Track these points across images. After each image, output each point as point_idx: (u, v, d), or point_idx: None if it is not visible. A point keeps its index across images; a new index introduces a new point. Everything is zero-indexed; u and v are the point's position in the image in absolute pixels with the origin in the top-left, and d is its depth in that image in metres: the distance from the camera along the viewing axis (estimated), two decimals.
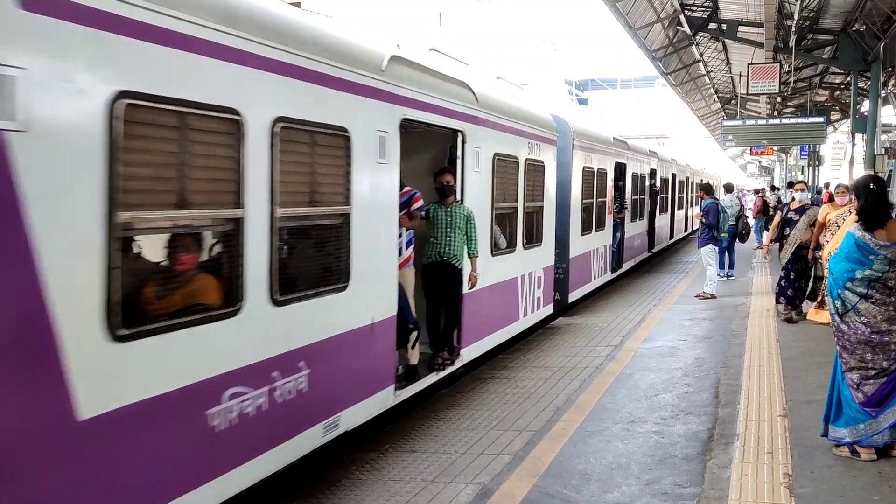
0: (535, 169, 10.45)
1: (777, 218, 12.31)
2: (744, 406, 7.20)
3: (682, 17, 20.04)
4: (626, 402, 7.52)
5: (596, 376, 8.56)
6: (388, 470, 5.95)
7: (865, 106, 20.82)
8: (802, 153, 35.07)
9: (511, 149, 9.50)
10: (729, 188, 19.18)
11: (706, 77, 29.47)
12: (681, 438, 6.43)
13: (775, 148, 35.34)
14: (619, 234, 16.75)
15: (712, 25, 20.27)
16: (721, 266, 16.23)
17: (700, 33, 21.09)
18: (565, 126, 12.53)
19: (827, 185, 24.96)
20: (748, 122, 25.02)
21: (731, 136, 24.03)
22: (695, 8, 20.05)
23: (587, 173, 13.70)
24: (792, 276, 11.56)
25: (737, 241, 17.68)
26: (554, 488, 5.40)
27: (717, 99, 34.34)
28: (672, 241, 26.44)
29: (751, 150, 34.12)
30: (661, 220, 23.14)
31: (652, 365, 9.06)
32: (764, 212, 23.89)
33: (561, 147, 11.86)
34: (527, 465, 5.86)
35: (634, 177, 18.29)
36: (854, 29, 18.30)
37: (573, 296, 13.26)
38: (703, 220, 14.74)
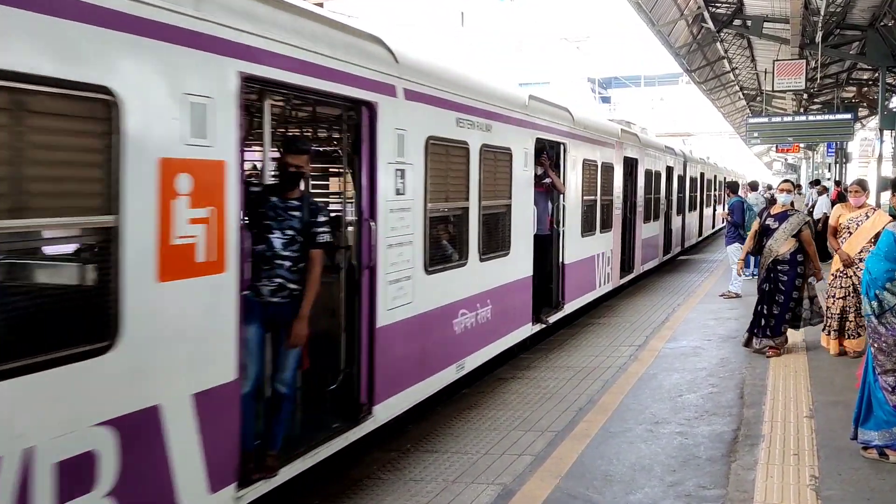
0: None
1: (754, 225, 9.75)
2: (769, 407, 7.12)
3: (706, 14, 19.86)
4: (650, 403, 7.45)
5: (619, 376, 8.50)
6: (410, 470, 5.95)
7: (894, 102, 20.51)
8: (829, 150, 34.60)
9: None
10: (754, 186, 18.95)
11: (731, 74, 29.20)
12: (705, 440, 6.36)
13: (801, 145, 34.90)
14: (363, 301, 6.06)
15: (737, 22, 20.07)
16: (746, 265, 16.04)
17: (724, 30, 20.88)
18: None
19: (838, 184, 24.38)
20: (774, 120, 24.72)
21: (756, 134, 23.75)
22: (719, 4, 19.87)
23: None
24: (766, 298, 9.16)
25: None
26: (576, 489, 5.37)
27: (742, 96, 34.00)
28: (636, 272, 15.77)
29: (776, 147, 33.73)
30: (597, 243, 12.29)
31: (676, 365, 8.98)
32: None
33: None
34: (549, 465, 5.83)
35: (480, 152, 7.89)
36: (882, 24, 18.02)
37: None
38: (729, 219, 14.67)
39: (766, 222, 9.29)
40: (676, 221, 20.92)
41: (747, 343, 9.50)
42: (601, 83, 63.00)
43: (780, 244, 9.05)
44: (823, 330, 9.20)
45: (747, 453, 5.96)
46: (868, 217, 8.76)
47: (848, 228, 8.83)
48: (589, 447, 6.21)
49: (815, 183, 24.88)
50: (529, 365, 9.33)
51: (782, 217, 9.22)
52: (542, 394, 7.96)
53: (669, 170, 19.41)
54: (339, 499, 5.47)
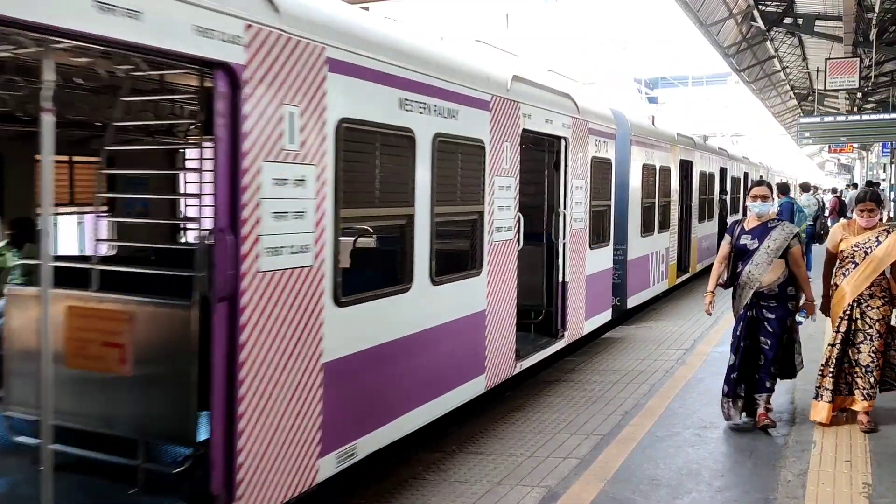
0: None
1: (724, 247, 6.90)
2: None
3: (755, 13, 19.55)
4: (698, 407, 7.38)
5: (666, 380, 8.42)
6: (455, 471, 5.98)
7: None
8: (884, 150, 33.74)
9: None
10: (806, 187, 18.58)
11: (781, 73, 28.68)
12: (754, 444, 6.28)
13: (855, 145, 34.08)
14: None
15: (788, 20, 19.71)
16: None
17: (775, 28, 20.52)
18: None
19: (852, 185, 23.59)
20: (826, 119, 24.17)
21: (807, 134, 23.24)
22: (769, 2, 19.53)
23: None
24: (744, 346, 6.73)
25: (814, 242, 17.10)
26: (622, 493, 5.34)
27: (793, 95, 33.37)
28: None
29: (829, 147, 32.98)
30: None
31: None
32: (840, 212, 23.05)
33: None
34: (595, 469, 5.81)
35: None
36: None
37: None
38: None
39: (741, 241, 6.68)
40: (595, 259, 10.27)
41: (728, 415, 6.78)
42: (648, 84, 62.40)
43: (765, 271, 6.50)
44: (814, 396, 6.78)
45: (798, 459, 5.87)
46: (880, 242, 6.48)
47: (853, 258, 6.53)
48: (635, 451, 6.18)
49: (869, 184, 24.29)
50: (574, 368, 9.30)
51: (762, 232, 6.62)
52: (587, 397, 7.93)
53: (601, 147, 10.39)
54: (385, 498, 5.53)
